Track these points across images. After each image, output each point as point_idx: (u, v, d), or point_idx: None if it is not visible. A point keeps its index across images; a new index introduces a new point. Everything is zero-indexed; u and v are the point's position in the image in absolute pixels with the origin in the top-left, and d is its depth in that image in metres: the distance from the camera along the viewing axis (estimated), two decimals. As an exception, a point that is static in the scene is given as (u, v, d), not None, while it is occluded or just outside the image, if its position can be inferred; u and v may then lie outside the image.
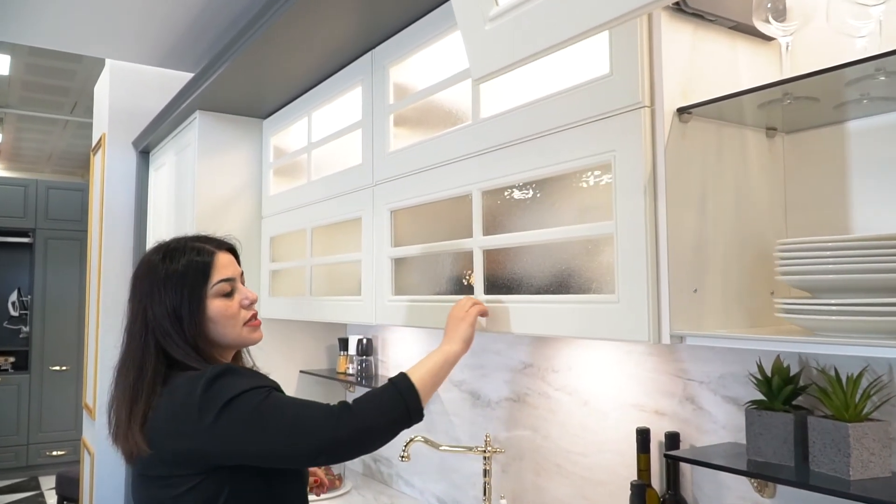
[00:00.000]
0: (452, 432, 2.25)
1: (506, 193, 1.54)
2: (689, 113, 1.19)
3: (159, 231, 3.10)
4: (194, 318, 1.34)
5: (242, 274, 1.46)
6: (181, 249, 1.39)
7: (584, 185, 1.37)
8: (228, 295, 1.40)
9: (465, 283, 1.67)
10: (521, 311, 1.43)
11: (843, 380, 1.17)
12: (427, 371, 1.39)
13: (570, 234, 1.34)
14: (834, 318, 1.03)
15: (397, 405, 1.31)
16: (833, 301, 1.03)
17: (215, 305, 1.37)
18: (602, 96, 1.25)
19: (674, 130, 1.19)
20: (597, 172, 1.33)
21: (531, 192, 1.49)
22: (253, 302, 1.43)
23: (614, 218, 1.23)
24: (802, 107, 1.17)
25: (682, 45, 1.21)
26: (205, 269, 1.37)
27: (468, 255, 1.61)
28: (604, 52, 1.27)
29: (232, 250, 1.48)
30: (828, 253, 1.05)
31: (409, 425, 1.33)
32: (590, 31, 0.98)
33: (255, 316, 1.43)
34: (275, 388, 1.29)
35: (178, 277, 1.35)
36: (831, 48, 1.22)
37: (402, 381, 1.35)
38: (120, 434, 1.31)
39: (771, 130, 1.33)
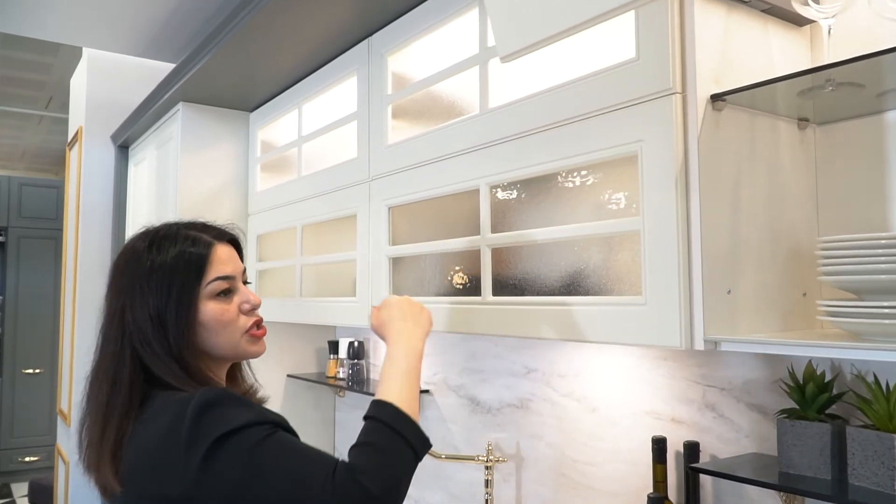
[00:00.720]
0: (450, 440, 2.15)
1: (517, 188, 1.44)
2: (724, 100, 1.11)
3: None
4: (182, 323, 1.10)
5: (245, 272, 1.23)
6: (172, 237, 1.15)
7: (606, 177, 1.28)
8: (225, 296, 1.16)
9: (469, 284, 1.58)
10: (534, 313, 1.34)
11: (884, 387, 1.09)
12: (405, 385, 1.13)
13: (589, 230, 1.25)
14: (887, 322, 0.95)
15: (397, 445, 1.03)
16: (886, 304, 0.95)
17: (209, 309, 1.13)
18: (628, 82, 1.16)
19: (707, 119, 1.10)
20: (621, 164, 1.24)
21: (545, 186, 1.40)
22: (255, 307, 1.19)
23: (641, 213, 1.14)
24: (845, 94, 1.09)
25: (714, 28, 1.13)
26: (199, 263, 1.13)
27: (473, 255, 1.52)
28: (628, 36, 1.18)
29: (234, 242, 1.24)
30: (879, 251, 0.97)
31: (419, 460, 1.08)
32: (625, 6, 0.89)
33: (258, 324, 1.20)
34: (279, 424, 1.02)
35: (165, 271, 1.11)
36: (870, 33, 1.15)
37: (385, 411, 1.06)
38: (92, 461, 1.08)
39: (803, 121, 1.25)
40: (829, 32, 1.08)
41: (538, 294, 1.36)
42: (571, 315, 1.26)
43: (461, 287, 1.62)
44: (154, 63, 3.20)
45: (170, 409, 1.02)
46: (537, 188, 1.41)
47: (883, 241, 0.97)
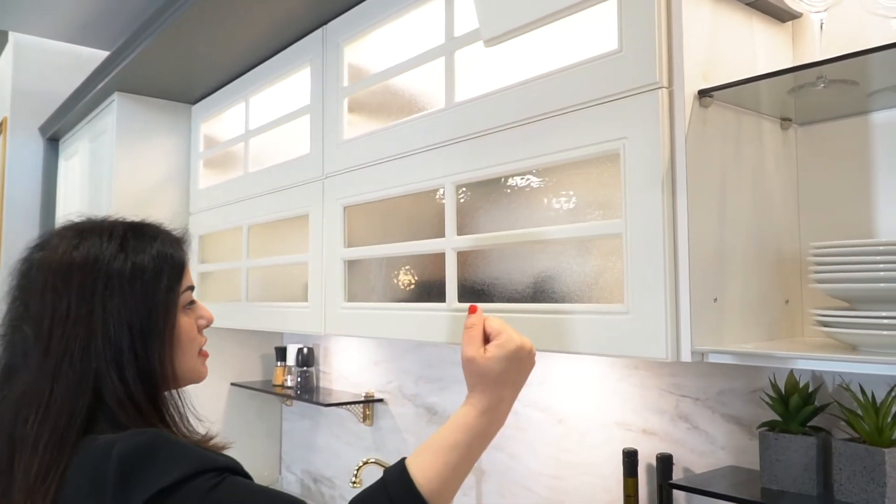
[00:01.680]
0: (405, 450, 2.05)
1: (486, 187, 1.36)
2: (711, 96, 1.05)
3: (70, 227, 2.78)
4: (167, 333, 0.94)
5: None
6: (150, 234, 0.98)
7: (584, 176, 1.21)
8: (191, 309, 1.01)
9: (433, 289, 1.48)
10: (506, 322, 1.25)
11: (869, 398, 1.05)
12: (458, 463, 0.88)
13: (567, 233, 1.17)
14: (885, 332, 0.90)
15: None
16: (884, 314, 0.90)
17: (183, 321, 0.97)
18: (610, 75, 1.09)
19: (693, 116, 1.03)
20: (600, 163, 1.16)
21: (517, 186, 1.31)
22: (209, 324, 1.05)
23: (623, 216, 1.07)
24: (835, 92, 1.04)
25: (702, 19, 1.07)
26: (179, 267, 0.97)
27: (437, 258, 1.42)
28: (609, 26, 1.10)
29: None
30: (877, 258, 0.92)
31: None
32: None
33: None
34: (229, 468, 0.84)
35: (149, 272, 0.94)
36: (858, 29, 1.11)
37: (403, 492, 0.84)
38: None
39: (785, 121, 1.20)
40: (822, 27, 1.02)
41: (509, 301, 1.28)
42: (546, 323, 1.18)
43: (406, 288, 1.53)
44: (87, 50, 3.03)
45: (87, 459, 0.82)
46: (508, 188, 1.32)
47: (881, 248, 0.92)
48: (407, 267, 1.56)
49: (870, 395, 1.05)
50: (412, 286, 1.55)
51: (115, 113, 2.41)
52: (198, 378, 1.03)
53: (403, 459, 0.87)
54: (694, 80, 1.04)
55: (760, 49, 1.16)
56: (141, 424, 0.88)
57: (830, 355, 0.91)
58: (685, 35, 1.03)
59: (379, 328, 1.54)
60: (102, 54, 2.86)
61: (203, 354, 1.04)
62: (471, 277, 1.36)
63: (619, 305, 1.08)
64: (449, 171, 1.38)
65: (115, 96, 2.41)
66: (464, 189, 1.38)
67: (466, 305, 1.32)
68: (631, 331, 1.05)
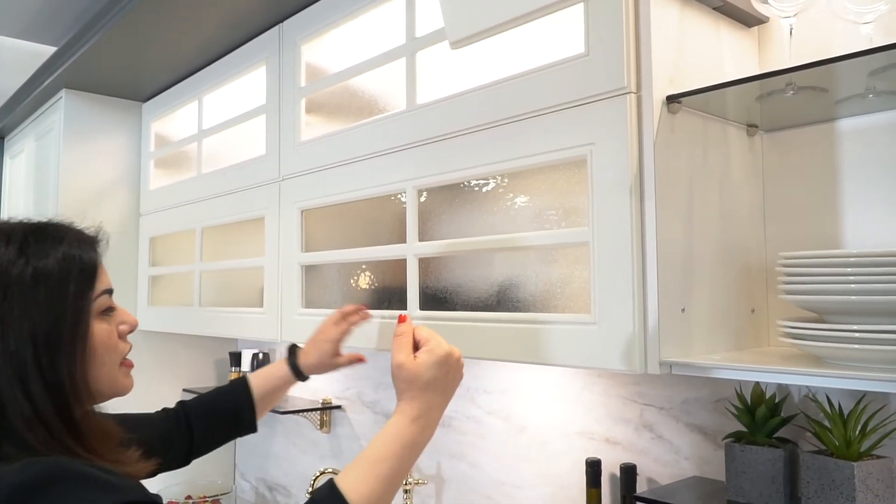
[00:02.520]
0: (364, 460, 2.00)
1: (448, 192, 1.31)
2: (679, 102, 1.02)
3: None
4: (79, 342, 0.84)
5: None
6: (53, 236, 0.88)
7: (550, 182, 1.17)
8: (109, 315, 0.92)
9: (393, 296, 1.44)
10: (468, 330, 1.21)
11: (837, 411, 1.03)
12: (388, 478, 0.88)
13: (532, 240, 1.13)
14: (856, 346, 0.88)
15: None
16: (856, 327, 0.88)
17: (98, 329, 0.88)
18: (576, 80, 1.05)
19: (662, 122, 1.01)
20: (566, 168, 1.13)
21: (482, 191, 1.27)
22: (133, 329, 0.96)
23: (590, 223, 1.04)
24: (803, 99, 1.02)
25: (669, 24, 1.04)
26: (90, 270, 0.88)
27: (398, 264, 1.38)
28: (576, 29, 1.07)
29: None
30: (848, 269, 0.90)
31: None
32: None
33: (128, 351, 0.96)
34: (138, 500, 0.76)
35: (52, 278, 0.84)
36: (827, 34, 1.10)
37: (327, 497, 0.84)
38: None
39: (752, 128, 1.18)
40: (791, 32, 1.01)
41: (472, 309, 1.24)
42: (511, 333, 1.14)
43: (366, 295, 1.48)
44: (33, 46, 2.92)
45: None
46: (472, 193, 1.28)
47: (853, 259, 0.90)
48: (367, 273, 1.52)
49: (837, 406, 1.04)
50: (372, 293, 1.51)
51: (62, 110, 2.32)
52: (121, 391, 0.94)
53: (332, 479, 0.86)
54: (662, 86, 1.01)
55: (727, 54, 1.15)
56: (54, 447, 0.79)
57: (807, 370, 0.88)
58: (653, 40, 1.00)
59: (337, 336, 1.49)
60: (50, 50, 2.76)
61: (126, 364, 0.95)
62: (433, 284, 1.32)
63: (585, 315, 1.04)
64: (410, 174, 1.33)
65: (63, 93, 2.32)
66: (425, 193, 1.34)
67: (431, 314, 1.29)
68: (598, 341, 1.02)
